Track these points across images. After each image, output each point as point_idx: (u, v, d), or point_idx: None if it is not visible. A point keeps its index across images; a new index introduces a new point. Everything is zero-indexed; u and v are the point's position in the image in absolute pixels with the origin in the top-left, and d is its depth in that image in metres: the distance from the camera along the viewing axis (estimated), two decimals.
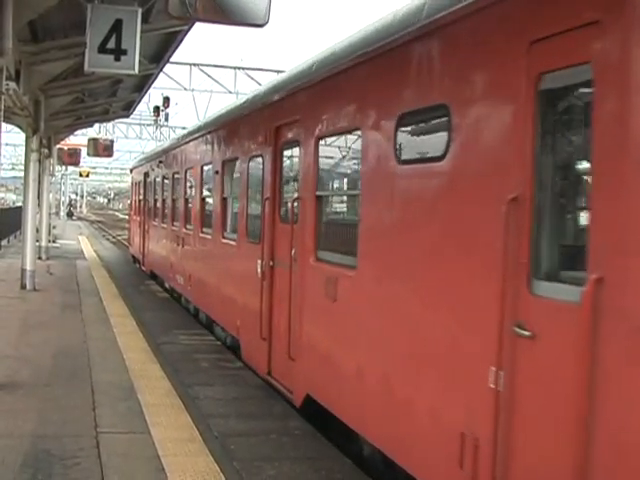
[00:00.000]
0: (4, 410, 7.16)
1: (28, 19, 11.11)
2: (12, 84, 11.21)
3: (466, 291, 4.56)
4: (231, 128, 11.23)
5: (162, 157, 18.45)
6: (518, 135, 4.09)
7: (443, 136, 4.90)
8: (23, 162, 18.49)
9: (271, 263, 8.53)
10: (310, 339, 7.24)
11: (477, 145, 4.54)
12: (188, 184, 15.02)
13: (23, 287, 16.26)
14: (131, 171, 28.78)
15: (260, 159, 9.18)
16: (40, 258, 21.69)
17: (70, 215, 71.28)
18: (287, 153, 8.54)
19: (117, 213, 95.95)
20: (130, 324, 12.26)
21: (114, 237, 45.72)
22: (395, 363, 5.48)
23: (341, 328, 6.49)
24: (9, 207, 48.23)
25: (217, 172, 11.75)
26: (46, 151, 22.94)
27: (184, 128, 23.88)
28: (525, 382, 3.98)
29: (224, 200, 11.47)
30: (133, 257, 24.98)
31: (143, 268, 21.52)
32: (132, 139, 52.39)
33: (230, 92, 33.96)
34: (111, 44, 10.50)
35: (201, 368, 9.44)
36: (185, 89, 35.23)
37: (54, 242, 29.52)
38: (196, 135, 13.96)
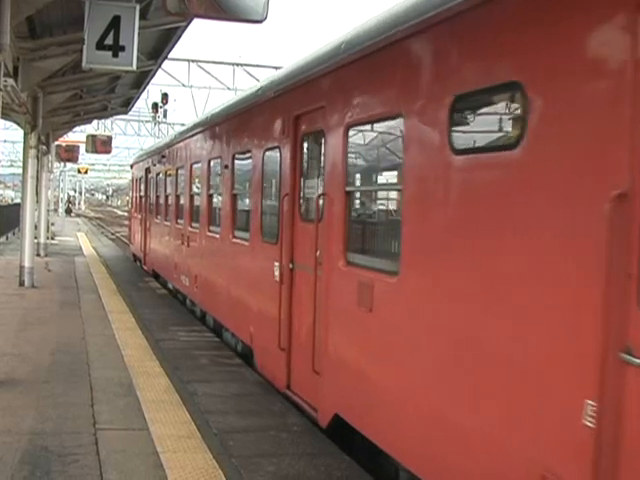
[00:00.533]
0: (2, 407, 7.14)
1: (26, 15, 11.11)
2: (10, 80, 11.19)
3: (552, 306, 3.80)
4: (242, 119, 10.30)
5: (165, 151, 17.70)
6: (625, 116, 3.34)
7: (515, 120, 4.19)
8: (21, 159, 18.43)
9: (290, 265, 7.83)
10: (340, 352, 6.49)
11: (565, 129, 3.73)
12: (194, 179, 14.26)
13: (21, 284, 16.25)
14: (131, 167, 28.05)
15: (277, 151, 8.40)
16: (38, 255, 21.66)
17: (68, 212, 71.30)
18: (309, 144, 7.76)
19: (116, 210, 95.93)
20: (129, 321, 12.24)
21: (113, 234, 45.75)
22: (449, 385, 4.73)
23: (380, 341, 5.73)
24: (7, 204, 48.26)
25: (226, 166, 10.93)
26: (44, 148, 22.96)
27: (183, 124, 23.72)
28: (637, 421, 3.30)
29: (234, 196, 10.64)
30: (134, 256, 24.47)
31: (144, 267, 21.17)
32: (130, 136, 52.54)
33: (229, 89, 33.92)
34: (109, 40, 10.53)
35: (200, 365, 9.42)
36: (183, 85, 35.19)
37: (52, 239, 29.50)
38: (203, 127, 13.11)
